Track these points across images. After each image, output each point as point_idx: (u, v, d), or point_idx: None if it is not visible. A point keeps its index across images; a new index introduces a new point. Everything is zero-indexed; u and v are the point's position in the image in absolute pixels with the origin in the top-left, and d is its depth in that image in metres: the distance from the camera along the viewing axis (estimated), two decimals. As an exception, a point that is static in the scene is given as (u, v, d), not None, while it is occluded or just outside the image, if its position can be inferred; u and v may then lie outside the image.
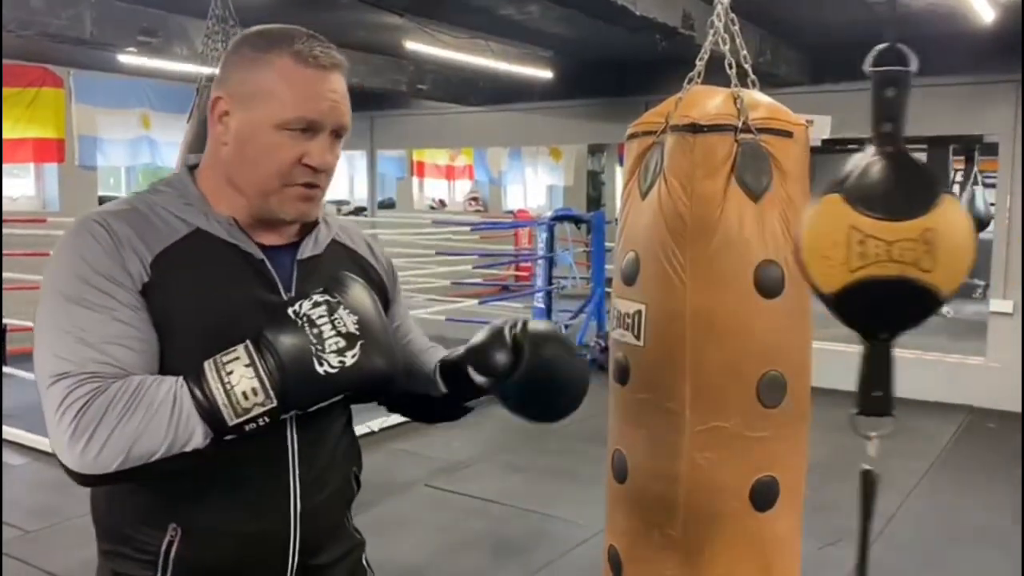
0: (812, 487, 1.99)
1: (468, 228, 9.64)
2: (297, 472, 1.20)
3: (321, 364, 1.05)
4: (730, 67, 1.88)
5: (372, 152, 9.96)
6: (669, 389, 1.79)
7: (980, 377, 6.51)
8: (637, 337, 1.84)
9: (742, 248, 1.74)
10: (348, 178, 12.82)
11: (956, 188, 11.36)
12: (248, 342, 1.06)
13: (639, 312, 1.83)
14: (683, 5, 4.78)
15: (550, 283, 8.39)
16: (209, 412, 1.03)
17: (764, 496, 1.79)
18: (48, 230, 6.90)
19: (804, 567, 1.96)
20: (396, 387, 1.19)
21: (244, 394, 1.03)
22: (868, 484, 1.46)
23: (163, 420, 1.02)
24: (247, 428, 1.05)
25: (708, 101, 1.82)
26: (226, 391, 1.03)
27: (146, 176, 10.05)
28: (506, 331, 1.28)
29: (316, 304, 1.09)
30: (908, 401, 6.59)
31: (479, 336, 1.30)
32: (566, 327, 7.82)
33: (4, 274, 5.40)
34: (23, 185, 8.50)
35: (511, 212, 13.27)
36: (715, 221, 1.75)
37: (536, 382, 1.27)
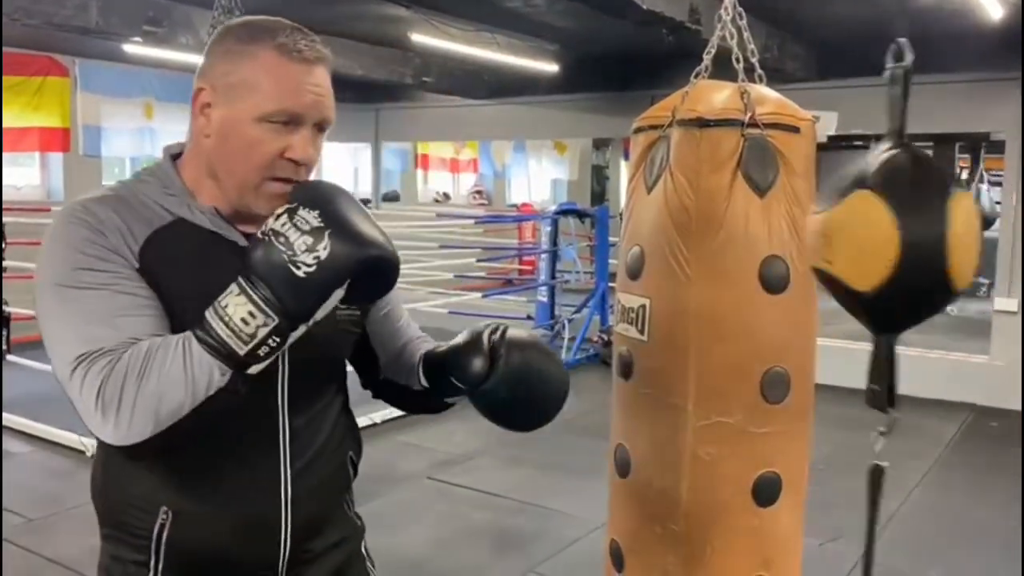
0: (814, 483, 1.99)
1: (472, 221, 9.65)
2: (288, 456, 1.21)
3: (298, 268, 1.03)
4: (737, 62, 1.87)
5: (377, 144, 9.95)
6: (672, 384, 1.79)
7: (983, 375, 6.50)
8: (641, 332, 1.84)
9: (747, 243, 1.73)
10: (352, 170, 12.82)
11: (961, 186, 11.34)
12: (238, 278, 1.05)
13: (643, 307, 1.83)
14: (690, -1, 4.77)
15: (553, 277, 8.39)
16: (217, 348, 1.03)
17: (766, 492, 1.79)
18: (52, 219, 6.93)
19: (805, 563, 1.96)
20: (392, 272, 1.12)
21: (243, 320, 1.03)
22: (874, 480, 1.44)
23: (178, 371, 1.03)
24: (262, 353, 1.04)
25: (715, 96, 1.81)
26: (225, 323, 1.03)
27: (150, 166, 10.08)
28: (484, 337, 1.26)
29: (277, 217, 1.07)
30: (911, 399, 6.61)
31: (460, 338, 1.30)
32: (569, 321, 7.83)
33: (8, 263, 5.40)
34: (28, 174, 8.50)
35: (515, 206, 13.26)
36: (720, 216, 1.74)
37: (508, 391, 1.25)
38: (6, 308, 5.32)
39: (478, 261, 9.30)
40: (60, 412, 5.27)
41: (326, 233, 1.04)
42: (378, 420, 5.27)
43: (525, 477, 4.70)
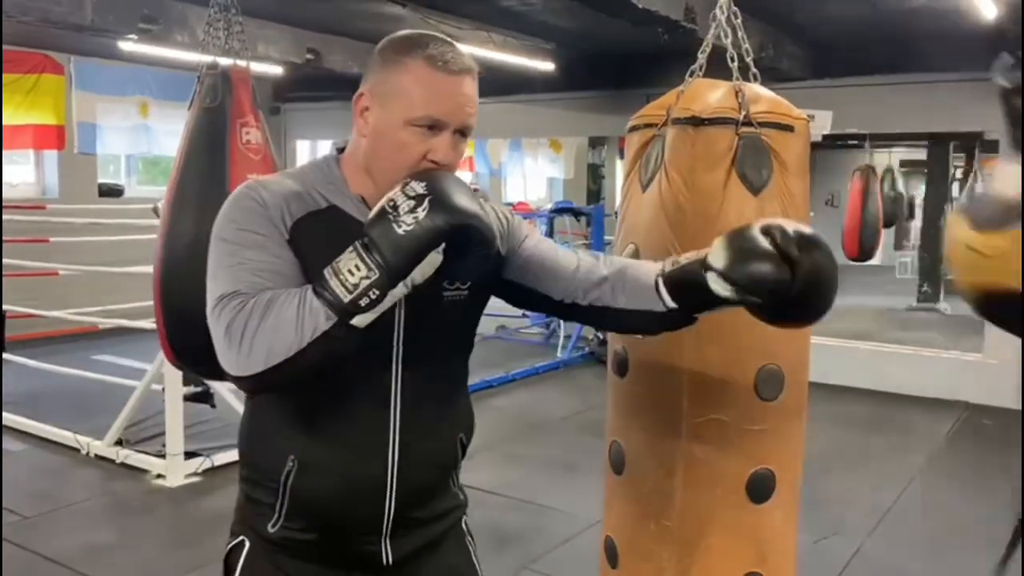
0: (808, 481, 2.00)
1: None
2: (398, 429, 1.33)
3: (400, 226, 1.16)
4: (732, 60, 1.88)
5: (372, 142, 9.94)
6: (667, 381, 1.79)
7: (977, 374, 6.52)
8: (636, 329, 1.84)
9: (742, 242, 1.74)
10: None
11: (956, 185, 11.36)
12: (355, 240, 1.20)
13: (638, 304, 1.83)
14: (685, -2, 4.78)
15: (549, 275, 8.38)
16: (327, 297, 1.17)
17: (761, 489, 1.80)
18: (48, 216, 6.90)
19: (799, 560, 1.97)
20: (488, 244, 1.22)
21: (349, 271, 1.17)
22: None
23: (292, 314, 1.17)
24: (363, 304, 1.17)
25: (710, 94, 1.82)
26: (336, 274, 1.18)
27: (146, 165, 10.03)
28: (764, 241, 1.25)
29: (394, 189, 1.21)
30: (905, 397, 6.63)
31: (724, 248, 1.27)
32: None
33: (3, 260, 5.38)
34: (23, 172, 8.48)
35: (511, 204, 13.25)
36: (715, 215, 1.75)
37: (810, 294, 1.27)
38: (2, 306, 5.29)
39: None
40: (55, 410, 5.29)
41: (427, 199, 1.17)
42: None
43: (521, 474, 4.71)
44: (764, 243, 1.25)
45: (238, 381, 1.23)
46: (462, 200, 1.19)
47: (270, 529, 1.36)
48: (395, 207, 1.18)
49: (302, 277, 1.26)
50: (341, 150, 1.39)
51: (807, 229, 1.28)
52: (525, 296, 1.47)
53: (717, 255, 1.28)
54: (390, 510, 1.34)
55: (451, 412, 1.43)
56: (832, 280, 1.29)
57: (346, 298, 1.17)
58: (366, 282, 1.16)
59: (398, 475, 1.33)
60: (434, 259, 1.19)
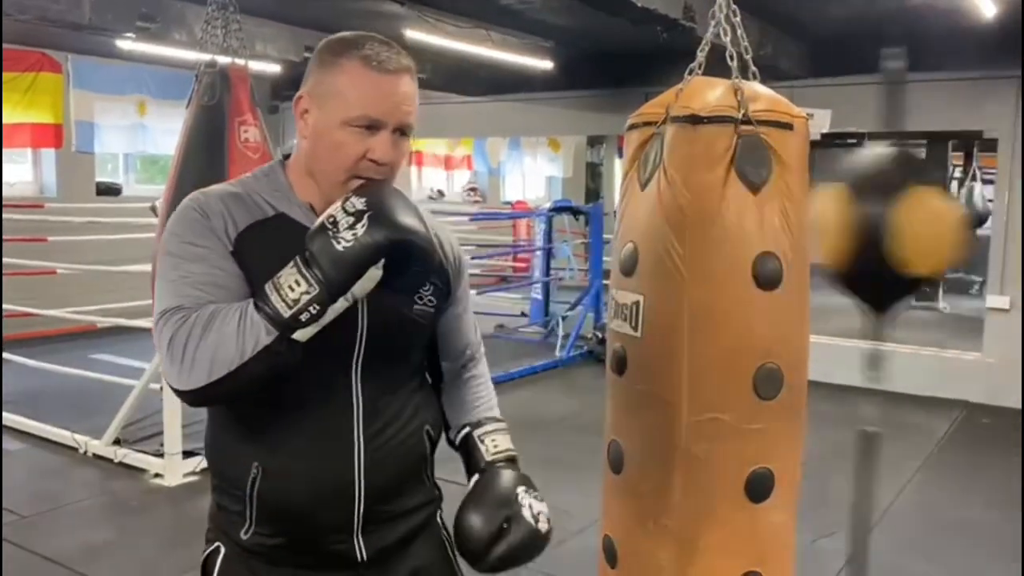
0: (807, 480, 2.00)
1: (466, 219, 9.63)
2: (361, 423, 1.34)
3: (339, 242, 1.18)
4: (731, 59, 1.87)
5: (371, 141, 9.93)
6: (666, 380, 1.79)
7: (976, 373, 6.53)
8: (634, 328, 1.84)
9: (741, 240, 1.73)
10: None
11: (955, 184, 11.37)
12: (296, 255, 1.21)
13: (637, 303, 1.83)
14: (684, -3, 4.77)
15: (548, 274, 8.40)
16: (267, 312, 1.19)
17: (759, 488, 1.79)
18: (46, 215, 6.89)
19: (798, 559, 1.97)
20: (427, 258, 1.29)
21: (290, 287, 1.19)
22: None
23: (233, 329, 1.19)
24: (303, 319, 1.19)
25: (709, 92, 1.81)
26: (276, 289, 1.19)
27: (144, 164, 10.02)
28: (495, 526, 1.38)
29: (335, 205, 1.22)
30: (904, 396, 6.64)
31: (472, 492, 1.44)
32: (563, 318, 7.83)
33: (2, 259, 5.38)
34: (21, 170, 8.47)
35: (509, 203, 13.25)
36: (714, 213, 1.74)
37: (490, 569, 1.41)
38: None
39: (472, 258, 9.28)
40: (53, 409, 5.29)
41: (366, 215, 1.19)
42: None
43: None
44: (493, 516, 1.39)
45: (180, 395, 1.24)
46: (401, 216, 1.21)
47: (243, 536, 1.36)
48: (335, 223, 1.19)
49: (246, 288, 1.27)
50: (287, 156, 1.40)
51: (527, 530, 1.40)
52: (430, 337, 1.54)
53: (473, 488, 1.46)
54: (359, 509, 1.35)
55: (412, 406, 1.44)
56: (507, 568, 1.41)
57: (286, 313, 1.18)
58: (306, 297, 1.18)
59: (365, 476, 1.35)
60: (374, 274, 1.22)
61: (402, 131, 1.30)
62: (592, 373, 6.95)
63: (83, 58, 8.08)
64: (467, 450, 1.52)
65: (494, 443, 1.50)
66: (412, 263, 1.25)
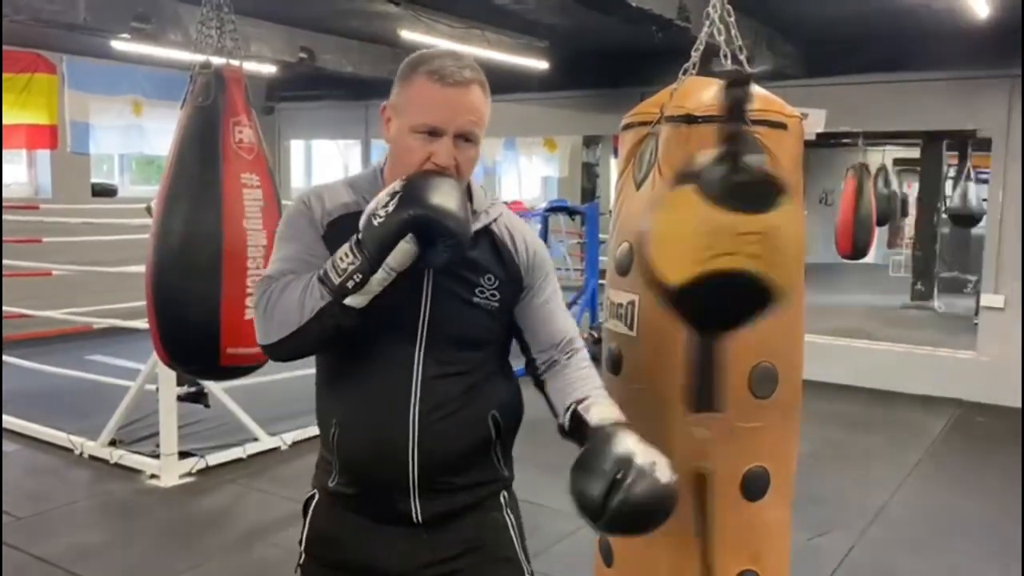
0: (802, 479, 2.00)
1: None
2: (418, 396, 1.49)
3: (376, 219, 1.37)
4: (725, 58, 1.88)
5: (367, 142, 9.93)
6: (661, 379, 1.80)
7: (970, 371, 6.54)
8: (630, 327, 1.85)
9: (735, 240, 1.74)
10: (343, 167, 12.78)
11: (950, 183, 11.39)
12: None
13: (632, 303, 1.84)
14: (679, -4, 4.77)
15: (544, 274, 8.36)
16: (323, 279, 1.41)
17: (755, 486, 1.80)
18: (41, 216, 6.87)
19: (794, 557, 1.98)
20: (451, 236, 1.38)
21: (341, 259, 1.40)
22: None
23: (299, 294, 1.43)
24: (350, 286, 1.39)
25: (703, 92, 1.82)
26: (332, 261, 1.41)
27: (140, 164, 10.00)
28: (606, 467, 1.38)
29: (384, 191, 1.41)
30: (899, 394, 6.64)
31: (584, 451, 1.45)
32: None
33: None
34: (16, 171, 8.44)
35: (505, 203, 13.23)
36: (709, 212, 1.74)
37: (612, 529, 1.46)
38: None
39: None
40: (49, 410, 5.28)
41: (398, 195, 1.37)
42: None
43: (516, 473, 4.70)
44: (604, 469, 1.38)
45: (263, 349, 1.50)
46: (429, 197, 1.36)
47: (330, 484, 1.57)
48: (378, 204, 1.39)
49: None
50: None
51: (651, 495, 1.38)
52: (516, 333, 1.64)
53: (589, 438, 1.48)
54: (413, 474, 1.50)
55: (478, 392, 1.55)
56: (642, 526, 1.42)
57: (336, 280, 1.39)
58: (352, 267, 1.38)
59: (419, 445, 1.49)
60: (406, 248, 1.37)
61: (465, 137, 1.46)
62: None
63: (78, 59, 8.06)
64: (575, 426, 1.54)
65: (599, 412, 1.52)
66: (438, 238, 1.37)
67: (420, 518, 1.53)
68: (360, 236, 1.39)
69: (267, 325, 1.47)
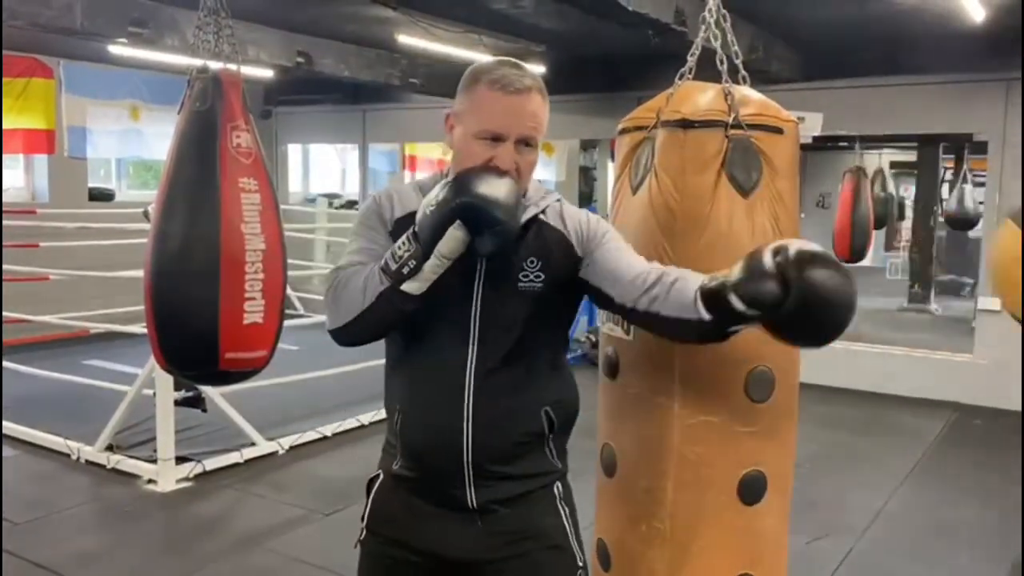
0: (799, 482, 2.00)
1: (460, 222, 9.58)
2: (472, 387, 1.56)
3: (429, 208, 1.45)
4: (721, 63, 1.88)
5: (364, 146, 9.93)
6: (658, 383, 1.80)
7: (967, 374, 6.55)
8: (626, 332, 1.85)
9: (731, 243, 1.74)
10: (340, 171, 12.77)
11: (946, 186, 11.42)
12: None
13: (629, 307, 1.83)
14: (676, 1, 4.78)
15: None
16: (383, 267, 1.50)
17: (752, 490, 1.80)
18: (38, 221, 6.87)
19: (791, 561, 1.98)
20: (495, 223, 1.43)
21: (399, 247, 1.49)
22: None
23: (362, 281, 1.52)
24: (405, 272, 1.47)
25: (699, 97, 1.82)
26: (392, 250, 1.51)
27: (137, 169, 10.00)
28: (768, 260, 1.37)
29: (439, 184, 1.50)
30: (896, 398, 6.65)
31: (739, 266, 1.42)
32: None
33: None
34: (13, 176, 8.43)
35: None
36: (705, 216, 1.75)
37: (804, 313, 1.37)
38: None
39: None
40: (46, 415, 5.26)
41: (448, 186, 1.45)
42: (365, 422, 5.27)
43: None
44: (768, 262, 1.37)
45: (332, 335, 1.59)
46: (478, 186, 1.43)
47: (394, 467, 1.66)
48: (432, 195, 1.47)
49: None
50: None
51: (812, 249, 1.38)
52: (595, 295, 1.62)
53: (734, 273, 1.42)
54: (468, 461, 1.56)
55: (530, 386, 1.61)
56: (832, 303, 1.37)
57: (394, 267, 1.48)
58: (407, 254, 1.47)
59: (473, 435, 1.56)
60: (455, 235, 1.44)
61: (526, 142, 1.52)
62: (586, 377, 6.88)
63: (75, 63, 8.05)
64: (712, 301, 1.43)
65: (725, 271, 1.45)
66: (484, 224, 1.43)
67: (475, 504, 1.59)
68: (416, 226, 1.47)
69: (335, 310, 1.55)
